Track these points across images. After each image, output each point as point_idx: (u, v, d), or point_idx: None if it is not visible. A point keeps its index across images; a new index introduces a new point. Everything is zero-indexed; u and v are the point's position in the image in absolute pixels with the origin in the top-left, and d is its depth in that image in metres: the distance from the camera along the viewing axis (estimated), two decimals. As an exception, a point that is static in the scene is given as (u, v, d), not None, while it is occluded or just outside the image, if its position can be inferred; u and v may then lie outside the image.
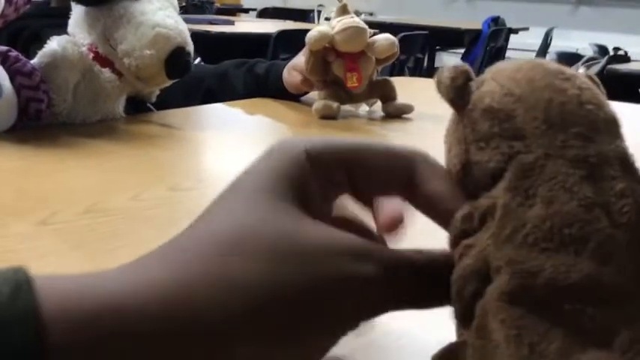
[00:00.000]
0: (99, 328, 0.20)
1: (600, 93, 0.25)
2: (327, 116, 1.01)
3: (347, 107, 1.07)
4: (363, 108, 1.10)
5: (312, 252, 0.23)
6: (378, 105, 1.09)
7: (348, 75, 1.01)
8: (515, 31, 5.18)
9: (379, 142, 0.29)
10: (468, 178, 0.25)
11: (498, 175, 0.23)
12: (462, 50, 5.14)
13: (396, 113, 1.06)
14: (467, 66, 0.26)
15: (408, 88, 1.45)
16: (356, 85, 1.01)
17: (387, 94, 1.06)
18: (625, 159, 0.23)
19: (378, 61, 1.05)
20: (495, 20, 5.04)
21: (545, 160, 0.22)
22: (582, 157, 0.22)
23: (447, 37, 4.81)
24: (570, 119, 0.23)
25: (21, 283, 0.20)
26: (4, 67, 0.81)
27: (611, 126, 0.24)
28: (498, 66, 0.26)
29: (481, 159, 0.24)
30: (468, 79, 0.26)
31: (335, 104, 1.02)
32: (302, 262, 0.23)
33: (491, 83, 0.25)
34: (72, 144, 0.80)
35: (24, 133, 0.81)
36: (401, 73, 3.56)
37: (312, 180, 0.26)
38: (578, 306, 0.20)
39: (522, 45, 5.45)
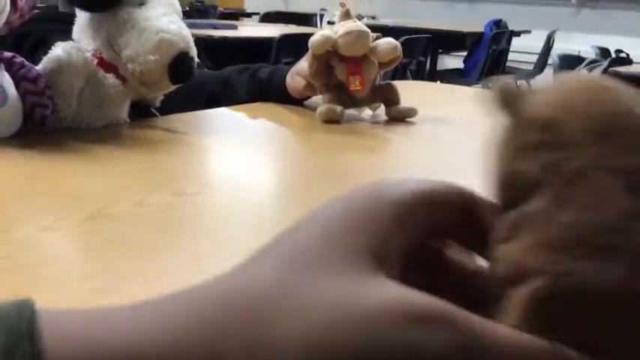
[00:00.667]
0: None
1: None
2: (331, 120, 1.02)
3: (351, 111, 1.07)
4: (367, 112, 1.10)
5: (371, 314, 0.19)
6: (381, 109, 1.09)
7: (350, 79, 1.01)
8: (517, 33, 5.18)
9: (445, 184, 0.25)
10: (510, 186, 0.25)
11: (542, 184, 0.23)
12: (464, 53, 5.15)
13: (399, 117, 1.06)
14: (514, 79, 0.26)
15: (411, 92, 1.46)
16: (359, 88, 1.01)
17: (390, 98, 1.07)
18: None
19: (381, 65, 1.05)
20: (497, 23, 5.05)
21: (587, 169, 0.22)
22: (626, 168, 0.22)
23: (449, 40, 4.82)
24: (618, 131, 0.23)
25: (22, 334, 0.18)
26: (9, 73, 0.82)
27: None
28: (557, 79, 0.26)
29: (524, 167, 0.24)
30: (516, 88, 0.26)
31: (338, 108, 1.02)
32: (355, 325, 0.19)
33: (544, 95, 0.25)
34: (76, 149, 0.80)
35: (29, 138, 0.82)
36: (403, 77, 3.56)
37: (396, 230, 0.22)
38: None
39: (524, 48, 5.46)
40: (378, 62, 1.04)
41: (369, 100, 1.07)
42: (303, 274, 0.21)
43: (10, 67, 0.82)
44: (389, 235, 0.22)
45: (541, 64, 5.22)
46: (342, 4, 1.07)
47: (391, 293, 0.20)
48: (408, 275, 0.22)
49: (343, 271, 0.21)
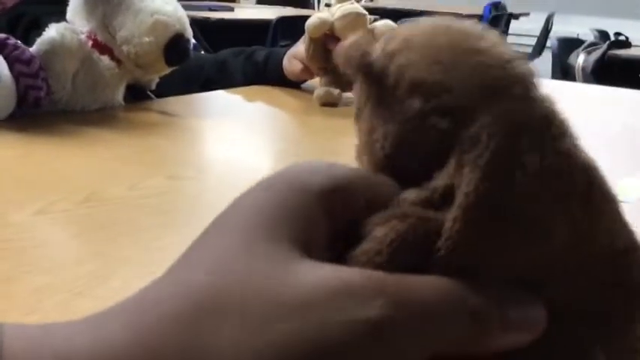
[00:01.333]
0: None
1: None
2: (329, 103, 1.01)
3: (349, 94, 1.07)
4: None
5: (306, 298, 0.19)
6: None
7: None
8: (516, 16, 5.16)
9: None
10: (402, 159, 0.23)
11: (441, 152, 0.22)
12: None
13: None
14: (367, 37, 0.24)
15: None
16: None
17: None
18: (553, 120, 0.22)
19: None
20: (496, 5, 5.02)
21: (489, 128, 0.21)
22: (526, 120, 0.21)
23: (448, 23, 4.79)
24: (502, 83, 0.22)
25: None
26: (2, 54, 0.81)
27: (532, 79, 0.23)
28: (402, 32, 0.24)
29: (417, 138, 0.22)
30: (370, 50, 0.24)
31: (336, 91, 1.02)
32: (292, 312, 0.19)
33: (407, 54, 0.23)
34: (71, 132, 0.80)
35: (23, 121, 0.81)
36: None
37: (320, 219, 0.22)
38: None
39: (523, 30, 5.43)
40: None
41: None
42: (234, 273, 0.20)
43: (3, 48, 0.81)
44: (315, 222, 0.22)
45: (540, 47, 5.20)
46: None
47: (317, 274, 0.20)
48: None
49: (273, 262, 0.20)
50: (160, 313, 0.20)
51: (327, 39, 1.01)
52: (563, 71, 2.74)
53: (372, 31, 1.02)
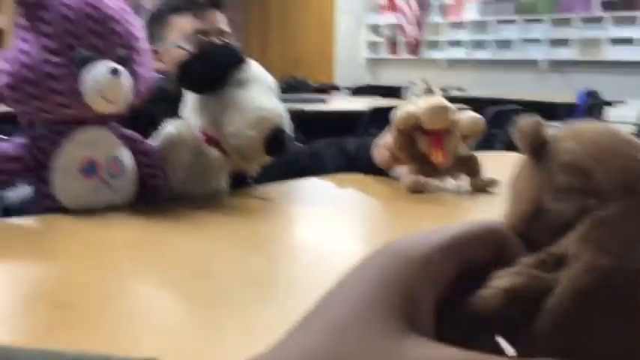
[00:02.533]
0: None
1: None
2: (417, 191, 1.07)
3: (435, 182, 1.12)
4: (450, 182, 1.15)
5: None
6: (464, 179, 1.13)
7: (433, 152, 1.07)
8: (612, 103, 5.07)
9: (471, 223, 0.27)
10: (538, 223, 0.27)
11: (571, 225, 0.25)
12: (556, 124, 5.06)
13: (481, 187, 1.10)
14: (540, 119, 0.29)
15: (499, 163, 1.48)
16: (441, 161, 1.07)
17: (472, 169, 1.11)
18: None
19: (464, 137, 1.10)
20: (591, 94, 4.97)
21: (619, 218, 0.25)
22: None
23: (540, 111, 4.75)
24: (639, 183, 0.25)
25: None
26: (127, 147, 0.93)
27: None
28: (576, 127, 0.28)
29: (556, 208, 0.26)
30: (544, 131, 0.28)
31: (423, 179, 1.07)
32: None
33: (572, 142, 0.27)
34: (183, 215, 0.89)
35: (140, 206, 0.91)
36: (493, 147, 3.55)
37: (424, 288, 0.24)
38: None
39: (619, 118, 5.31)
40: (461, 134, 1.09)
41: (452, 171, 1.11)
42: (352, 342, 0.22)
43: (128, 142, 0.93)
44: (417, 294, 0.23)
45: (638, 134, 5.05)
46: (424, 81, 1.13)
47: (425, 352, 0.22)
48: (444, 325, 0.24)
49: (384, 334, 0.22)
50: None
51: (413, 129, 1.08)
52: None
53: (456, 123, 1.08)
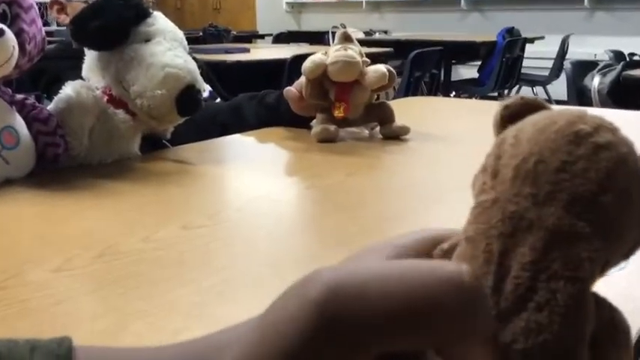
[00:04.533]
0: None
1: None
2: (326, 140, 1.05)
3: (348, 129, 1.11)
4: (363, 131, 1.14)
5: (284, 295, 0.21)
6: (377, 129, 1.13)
7: (336, 105, 1.06)
8: (531, 40, 5.17)
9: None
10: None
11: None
12: (478, 63, 5.14)
13: (392, 135, 1.09)
14: (523, 98, 0.26)
15: (420, 108, 1.47)
16: (342, 115, 1.06)
17: (384, 117, 1.10)
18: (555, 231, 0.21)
19: (376, 90, 1.09)
20: (510, 31, 5.04)
21: (491, 204, 0.23)
22: (518, 215, 0.22)
23: (462, 51, 4.82)
24: (537, 179, 0.22)
25: (61, 358, 0.22)
26: (21, 114, 0.84)
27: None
28: (540, 115, 0.25)
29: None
30: (515, 110, 0.25)
31: (333, 127, 1.06)
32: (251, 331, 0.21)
33: (520, 124, 0.24)
34: (88, 186, 0.82)
35: (42, 177, 0.84)
36: (417, 90, 3.57)
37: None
38: None
39: (539, 54, 5.43)
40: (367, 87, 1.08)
41: (363, 121, 1.11)
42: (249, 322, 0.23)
43: (21, 108, 0.85)
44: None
45: (556, 70, 5.19)
46: (343, 25, 1.10)
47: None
48: None
49: None
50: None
51: (323, 79, 1.06)
52: (579, 94, 2.73)
53: (364, 76, 1.06)
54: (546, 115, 0.24)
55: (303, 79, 1.09)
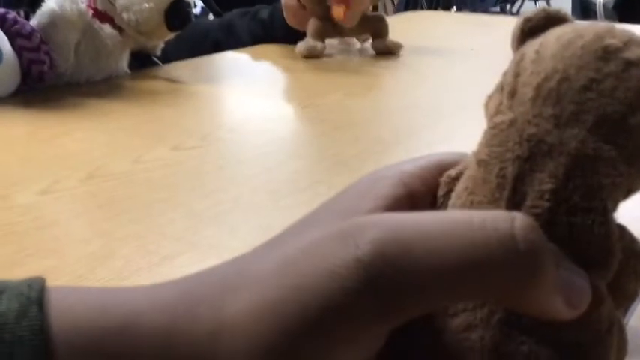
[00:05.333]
0: (106, 346, 0.19)
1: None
2: (311, 56, 1.01)
3: (341, 46, 1.08)
4: (355, 44, 1.10)
5: (285, 257, 0.20)
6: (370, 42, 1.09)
7: (335, 7, 1.00)
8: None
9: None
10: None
11: None
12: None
13: (384, 51, 1.05)
14: (545, 10, 0.23)
15: (420, 23, 1.41)
16: (341, 17, 1.00)
17: (378, 31, 1.06)
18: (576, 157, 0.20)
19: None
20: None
21: (508, 126, 0.20)
22: (537, 138, 0.20)
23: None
24: (560, 99, 0.20)
25: (32, 300, 0.19)
26: (2, 30, 0.80)
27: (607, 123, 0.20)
28: (564, 28, 0.22)
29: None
30: (535, 24, 0.22)
31: (319, 44, 1.02)
32: (271, 274, 0.20)
33: (542, 39, 0.21)
34: (76, 105, 0.79)
35: (28, 96, 0.81)
36: (417, 5, 3.47)
37: (404, 198, 0.23)
38: None
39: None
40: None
41: (357, 32, 1.06)
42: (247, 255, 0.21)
43: (2, 23, 0.80)
44: (394, 200, 0.22)
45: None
46: None
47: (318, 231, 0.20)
48: None
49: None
50: (199, 276, 0.21)
51: None
52: (583, 9, 2.65)
53: None
54: (571, 29, 0.21)
55: None
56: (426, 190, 0.23)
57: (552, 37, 0.21)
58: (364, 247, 0.18)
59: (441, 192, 0.23)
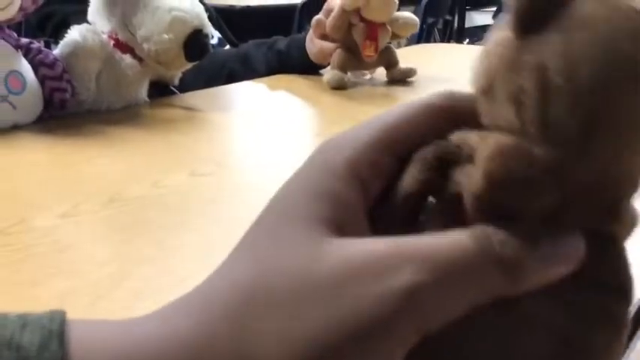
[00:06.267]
0: None
1: None
2: (340, 87, 1.04)
3: (356, 75, 1.12)
4: (366, 74, 1.15)
5: (334, 277, 0.20)
6: (379, 72, 1.13)
7: (367, 43, 1.04)
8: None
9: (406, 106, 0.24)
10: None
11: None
12: (494, 9, 5.02)
13: (400, 77, 1.10)
14: None
15: (432, 55, 1.43)
16: (372, 54, 1.05)
17: (391, 61, 1.10)
18: None
19: (394, 35, 1.08)
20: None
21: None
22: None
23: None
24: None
25: (53, 334, 0.20)
26: (27, 59, 0.83)
27: None
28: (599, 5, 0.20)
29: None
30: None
31: (345, 76, 1.05)
32: (322, 294, 0.20)
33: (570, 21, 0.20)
34: (96, 132, 0.81)
35: (50, 123, 0.83)
36: (429, 37, 3.50)
37: (352, 192, 0.22)
38: None
39: None
40: (392, 32, 1.06)
41: (374, 64, 1.10)
42: (260, 263, 0.21)
43: (27, 53, 0.83)
44: (344, 199, 0.22)
45: None
46: None
47: (342, 250, 0.20)
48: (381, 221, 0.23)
49: (294, 246, 0.21)
50: (214, 303, 0.21)
51: (354, 15, 1.04)
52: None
53: (394, 20, 1.05)
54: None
55: (335, 9, 1.06)
56: (375, 175, 0.23)
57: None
58: (406, 282, 0.20)
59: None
